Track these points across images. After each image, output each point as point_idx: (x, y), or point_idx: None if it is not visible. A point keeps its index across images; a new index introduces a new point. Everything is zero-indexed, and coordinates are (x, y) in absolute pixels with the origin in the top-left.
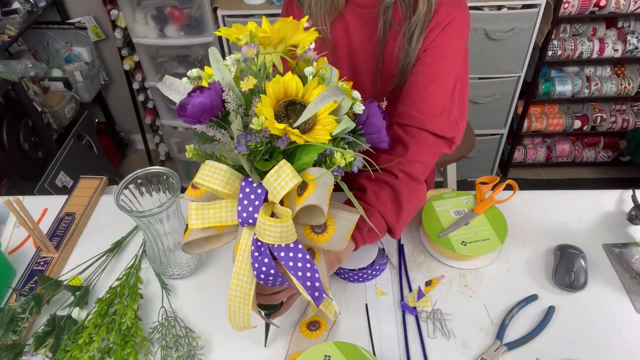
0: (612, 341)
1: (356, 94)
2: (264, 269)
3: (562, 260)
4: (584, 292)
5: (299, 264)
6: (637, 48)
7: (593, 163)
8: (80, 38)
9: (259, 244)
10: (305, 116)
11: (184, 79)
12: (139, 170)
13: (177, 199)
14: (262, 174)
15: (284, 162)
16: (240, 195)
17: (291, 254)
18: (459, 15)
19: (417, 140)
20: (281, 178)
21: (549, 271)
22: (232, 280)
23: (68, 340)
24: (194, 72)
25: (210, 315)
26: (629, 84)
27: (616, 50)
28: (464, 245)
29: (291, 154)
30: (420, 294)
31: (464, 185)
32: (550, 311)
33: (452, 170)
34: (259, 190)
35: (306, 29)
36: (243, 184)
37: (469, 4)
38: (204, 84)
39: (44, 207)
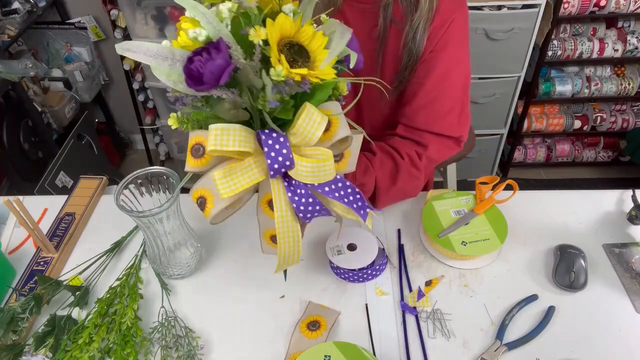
0: (612, 341)
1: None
2: (309, 208)
3: (562, 260)
4: (584, 292)
5: (342, 192)
6: (637, 48)
7: (593, 163)
8: (80, 38)
9: (296, 188)
10: (332, 54)
11: (165, 42)
12: (139, 170)
13: (177, 198)
14: (277, 122)
15: (309, 105)
16: (265, 149)
17: (333, 186)
18: (460, 13)
19: (425, 140)
20: (312, 120)
21: (549, 271)
22: (278, 228)
23: (68, 340)
24: (166, 43)
25: (210, 315)
26: (629, 84)
27: (616, 50)
28: (464, 245)
29: (302, 96)
30: (420, 294)
31: (464, 185)
32: (550, 311)
33: (452, 170)
34: (282, 139)
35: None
36: (263, 137)
37: (469, 4)
38: (194, 45)
39: (44, 207)
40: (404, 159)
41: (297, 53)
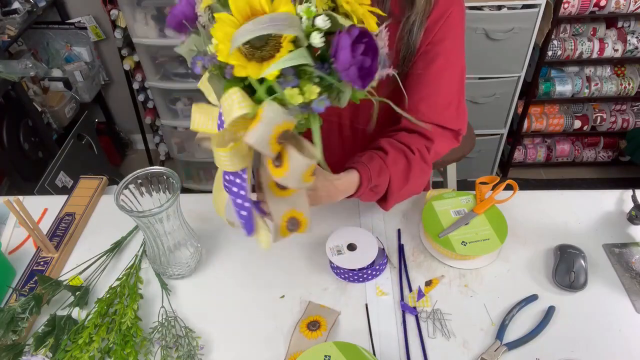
0: (612, 341)
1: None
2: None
3: (562, 260)
4: (584, 292)
5: (234, 189)
6: (637, 48)
7: (593, 163)
8: (80, 38)
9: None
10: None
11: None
12: (139, 170)
13: (177, 198)
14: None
15: (234, 89)
16: (218, 122)
17: (231, 177)
18: (457, 6)
19: (431, 133)
20: (229, 105)
21: (549, 271)
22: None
23: (68, 340)
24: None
25: (210, 315)
26: (629, 84)
27: (616, 50)
28: (464, 245)
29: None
30: (420, 294)
31: (464, 185)
32: (550, 311)
33: (452, 170)
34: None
35: None
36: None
37: (469, 4)
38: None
39: (44, 207)
40: (415, 155)
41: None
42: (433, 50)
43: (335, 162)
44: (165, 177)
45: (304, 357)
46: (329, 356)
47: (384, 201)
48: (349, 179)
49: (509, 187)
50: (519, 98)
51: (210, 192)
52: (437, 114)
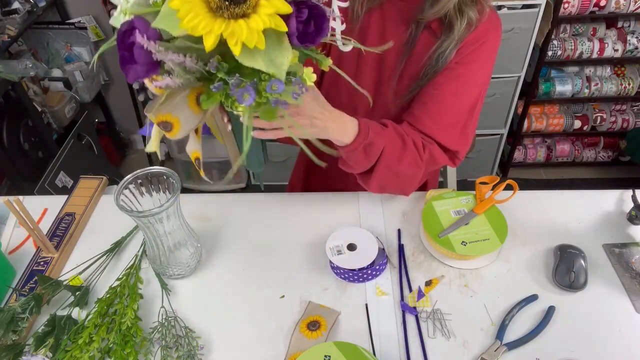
0: (612, 341)
1: None
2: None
3: (562, 260)
4: (584, 292)
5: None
6: (637, 48)
7: (593, 163)
8: (80, 38)
9: None
10: None
11: None
12: (139, 170)
13: (177, 198)
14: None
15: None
16: None
17: None
18: (495, 34)
19: (426, 144)
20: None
21: (549, 271)
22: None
23: (68, 340)
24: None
25: (210, 315)
26: (629, 84)
27: (616, 50)
28: (464, 245)
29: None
30: (420, 294)
31: (464, 185)
32: (550, 311)
33: (452, 170)
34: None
35: (343, 11)
36: None
37: None
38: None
39: (44, 207)
40: (410, 142)
41: None
42: (457, 70)
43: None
44: (165, 177)
45: (304, 357)
46: (329, 356)
47: (369, 175)
48: (347, 119)
49: (509, 187)
50: (519, 98)
51: (210, 192)
52: (439, 130)
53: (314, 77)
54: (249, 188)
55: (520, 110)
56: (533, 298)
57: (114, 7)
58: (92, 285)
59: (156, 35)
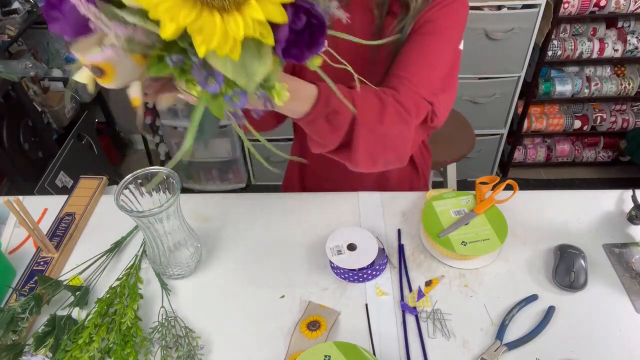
0: (612, 341)
1: None
2: None
3: (562, 260)
4: (584, 292)
5: None
6: (637, 48)
7: (593, 163)
8: None
9: None
10: None
11: None
12: (139, 170)
13: (177, 198)
14: None
15: None
16: None
17: None
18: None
19: (403, 89)
20: None
21: (549, 271)
22: None
23: (68, 340)
24: None
25: (210, 315)
26: (629, 84)
27: (616, 50)
28: (464, 245)
29: None
30: (420, 294)
31: (464, 185)
32: (550, 311)
33: (452, 170)
34: None
35: None
36: None
37: (470, 4)
38: None
39: (44, 207)
40: (388, 96)
41: None
42: (425, 27)
43: None
44: (165, 177)
45: (304, 357)
46: (329, 356)
47: (349, 149)
48: (300, 83)
49: (509, 187)
50: (519, 98)
51: (211, 192)
52: (415, 79)
53: (287, 95)
54: (249, 188)
55: (520, 110)
56: (533, 298)
57: None
58: (92, 285)
59: None
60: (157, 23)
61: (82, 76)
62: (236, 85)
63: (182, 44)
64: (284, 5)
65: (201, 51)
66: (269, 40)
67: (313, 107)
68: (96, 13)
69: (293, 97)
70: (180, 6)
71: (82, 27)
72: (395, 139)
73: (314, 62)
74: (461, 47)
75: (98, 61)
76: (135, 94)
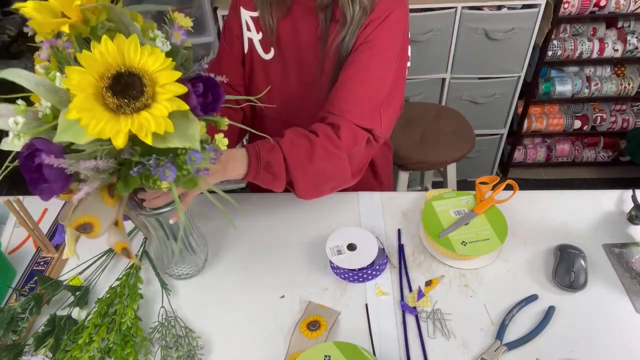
0: (612, 341)
1: None
2: None
3: (562, 260)
4: (584, 292)
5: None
6: (637, 48)
7: (593, 163)
8: None
9: None
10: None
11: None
12: None
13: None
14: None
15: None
16: None
17: None
18: (395, 10)
19: (339, 121)
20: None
21: (549, 271)
22: None
23: (68, 340)
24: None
25: (210, 315)
26: (629, 84)
27: (616, 50)
28: (464, 245)
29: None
30: (420, 294)
31: (464, 185)
32: (550, 311)
33: (452, 170)
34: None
35: (256, 20)
36: None
37: (470, 4)
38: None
39: (44, 207)
40: (319, 137)
41: (127, 85)
42: (361, 49)
43: None
44: None
45: (304, 357)
46: (329, 356)
47: (292, 187)
48: (234, 153)
49: (508, 187)
50: (519, 98)
51: (210, 192)
52: (349, 108)
53: (226, 141)
54: (249, 188)
55: (520, 110)
56: (533, 298)
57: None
58: (92, 285)
59: (61, 150)
60: (109, 142)
61: (71, 249)
62: (184, 153)
63: (135, 159)
64: (182, 81)
65: (149, 140)
66: (184, 107)
67: (249, 167)
68: (67, 162)
69: (234, 167)
70: (118, 122)
71: (64, 179)
72: (330, 172)
73: (222, 124)
74: (409, 53)
75: (80, 197)
76: (115, 240)
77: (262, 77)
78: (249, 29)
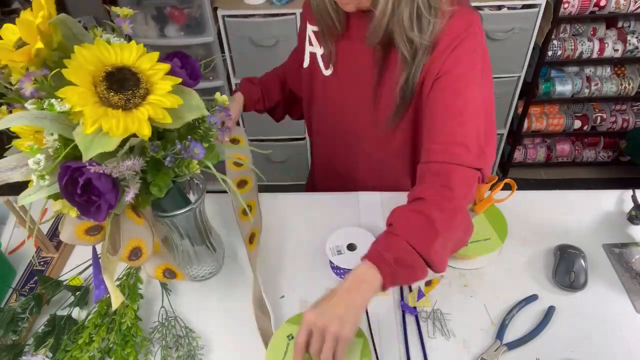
0: (612, 341)
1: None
2: None
3: (562, 260)
4: (584, 292)
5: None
6: (637, 48)
7: (593, 163)
8: None
9: None
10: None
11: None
12: None
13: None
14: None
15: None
16: None
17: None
18: (471, 31)
19: (451, 170)
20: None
21: (549, 271)
22: None
23: (68, 340)
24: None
25: (210, 315)
26: (629, 84)
27: (616, 50)
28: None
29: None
30: (420, 294)
31: None
32: (550, 311)
33: None
34: None
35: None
36: None
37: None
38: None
39: (44, 207)
40: (428, 201)
41: (121, 80)
42: (442, 82)
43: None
44: (189, 178)
45: (272, 346)
46: (292, 335)
47: (430, 265)
48: (359, 275)
49: (507, 187)
50: (519, 98)
51: (211, 192)
52: (449, 151)
53: (225, 97)
54: None
55: (520, 110)
56: (533, 298)
57: (114, 4)
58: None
59: (97, 162)
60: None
61: (117, 297)
62: (203, 121)
63: (162, 152)
64: (164, 59)
65: (168, 119)
66: (177, 80)
67: (382, 274)
68: (110, 167)
69: (362, 286)
70: (131, 116)
71: (113, 186)
72: (455, 231)
73: (219, 99)
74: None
75: (130, 198)
76: (159, 262)
77: (319, 93)
78: (311, 44)
